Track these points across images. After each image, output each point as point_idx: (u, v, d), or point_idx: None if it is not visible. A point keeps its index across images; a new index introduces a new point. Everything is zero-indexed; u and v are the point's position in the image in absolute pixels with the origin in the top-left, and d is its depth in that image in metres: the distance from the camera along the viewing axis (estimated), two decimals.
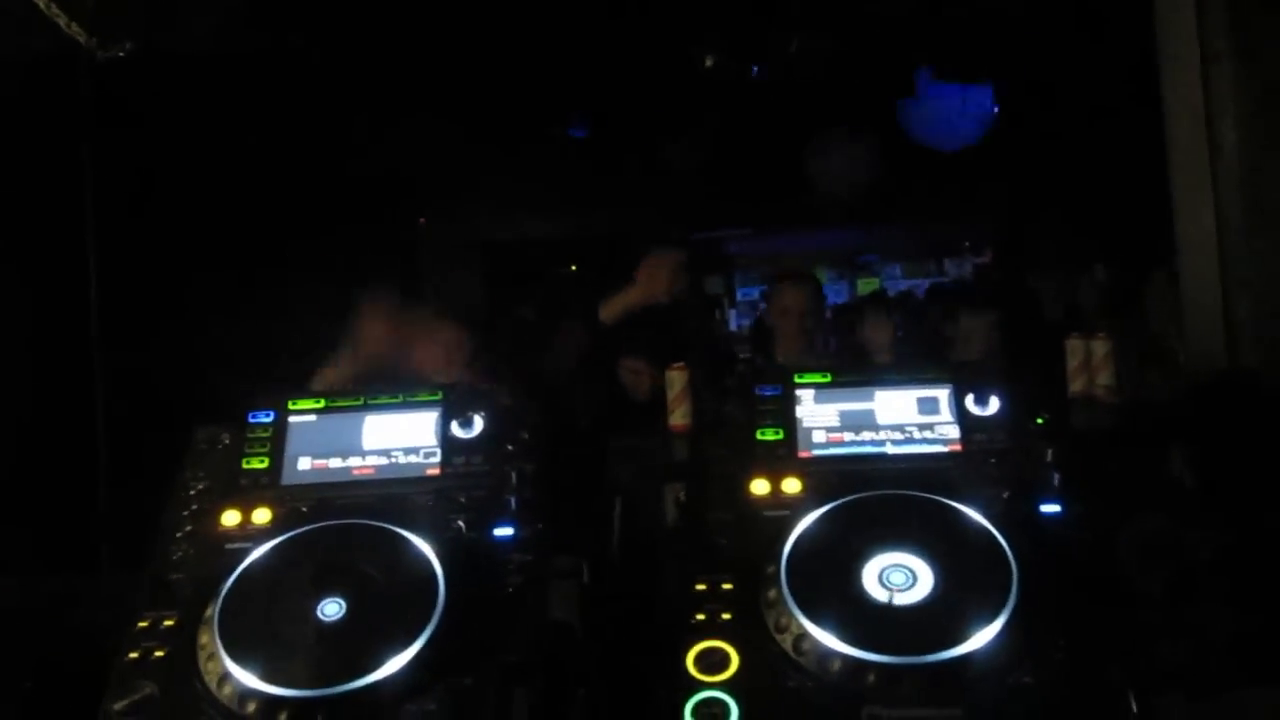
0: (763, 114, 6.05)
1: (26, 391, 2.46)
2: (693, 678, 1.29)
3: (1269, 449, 1.80)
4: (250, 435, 1.56)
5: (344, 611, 1.34)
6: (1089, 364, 2.74)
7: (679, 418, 2.44)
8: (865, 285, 8.37)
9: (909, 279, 8.68)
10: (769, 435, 1.53)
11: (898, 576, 1.33)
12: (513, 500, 1.46)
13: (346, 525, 1.44)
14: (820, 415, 1.54)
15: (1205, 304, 1.76)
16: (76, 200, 2.61)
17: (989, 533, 1.37)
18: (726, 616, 1.34)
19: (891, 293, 7.76)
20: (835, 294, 7.78)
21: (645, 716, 1.40)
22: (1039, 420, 1.51)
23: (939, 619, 1.29)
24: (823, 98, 5.87)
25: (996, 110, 5.85)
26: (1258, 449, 1.82)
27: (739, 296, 9.16)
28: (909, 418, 1.53)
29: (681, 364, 2.57)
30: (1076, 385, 2.71)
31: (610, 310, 3.37)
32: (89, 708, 1.33)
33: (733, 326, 8.43)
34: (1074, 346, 2.70)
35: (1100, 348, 2.68)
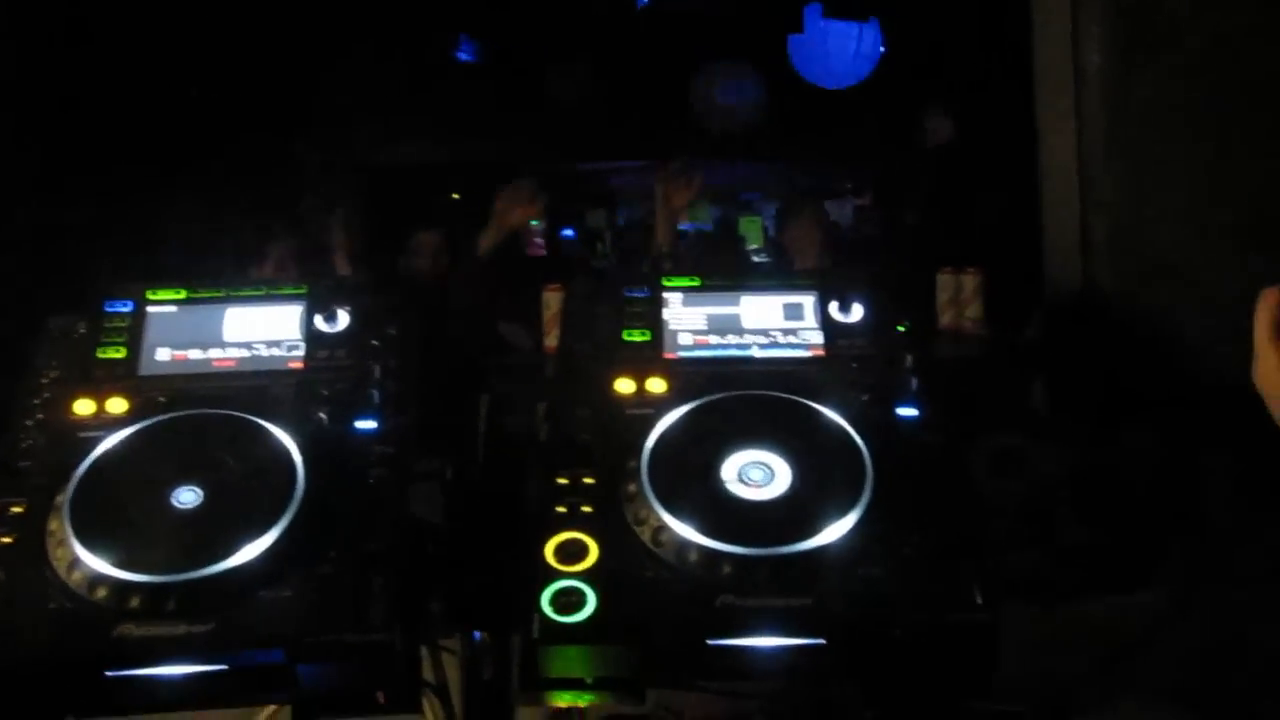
0: (649, 46, 6.03)
1: None
2: (551, 568, 1.30)
3: (1119, 370, 1.86)
4: (107, 325, 1.52)
5: (200, 499, 1.32)
6: (958, 298, 2.81)
7: (554, 339, 2.44)
8: (748, 224, 8.43)
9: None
10: (635, 336, 1.54)
11: (756, 473, 1.36)
12: (376, 394, 1.45)
13: (205, 414, 1.42)
14: (687, 318, 1.56)
15: (1064, 228, 1.81)
16: None
17: (845, 433, 1.40)
18: (587, 509, 1.35)
19: (772, 232, 7.84)
20: (717, 231, 7.86)
21: (504, 609, 1.42)
22: (900, 328, 1.54)
23: (794, 514, 1.32)
24: (710, 31, 5.87)
25: (884, 51, 5.91)
26: (1108, 370, 1.88)
27: (619, 222, 9.16)
28: (774, 323, 1.55)
29: (557, 285, 2.58)
30: (946, 318, 2.78)
31: (482, 248, 3.45)
32: None
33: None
34: (944, 281, 2.76)
35: (969, 282, 2.75)
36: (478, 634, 1.59)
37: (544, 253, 7.80)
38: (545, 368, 2.06)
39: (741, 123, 6.04)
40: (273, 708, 1.58)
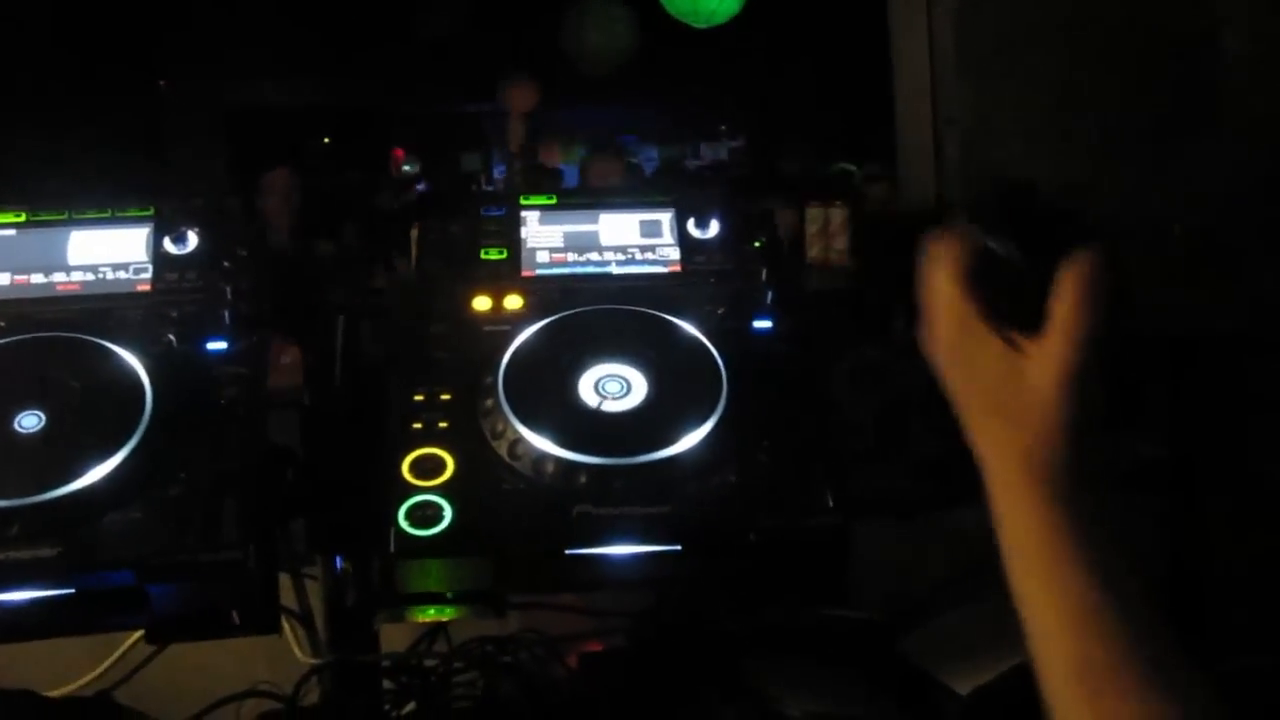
0: None
1: None
2: (407, 483, 1.30)
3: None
4: None
5: (43, 423, 1.28)
6: (827, 230, 2.85)
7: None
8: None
9: (666, 161, 8.79)
10: (492, 254, 1.53)
11: (612, 385, 1.36)
12: (227, 315, 1.42)
13: (45, 337, 1.38)
14: (544, 236, 1.55)
15: (918, 144, 1.85)
16: None
17: (701, 345, 1.41)
18: (443, 425, 1.35)
19: (649, 174, 7.87)
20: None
21: (366, 534, 1.41)
22: (756, 244, 1.56)
23: (650, 424, 1.33)
24: None
25: None
26: None
27: (495, 174, 9.09)
28: (632, 240, 1.56)
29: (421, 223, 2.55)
30: (814, 251, 2.82)
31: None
32: None
33: None
34: (813, 214, 2.80)
35: (837, 215, 2.79)
36: (340, 560, 1.58)
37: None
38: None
39: (613, 64, 6.02)
40: (135, 636, 1.56)
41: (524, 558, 1.30)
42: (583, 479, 1.29)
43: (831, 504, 1.31)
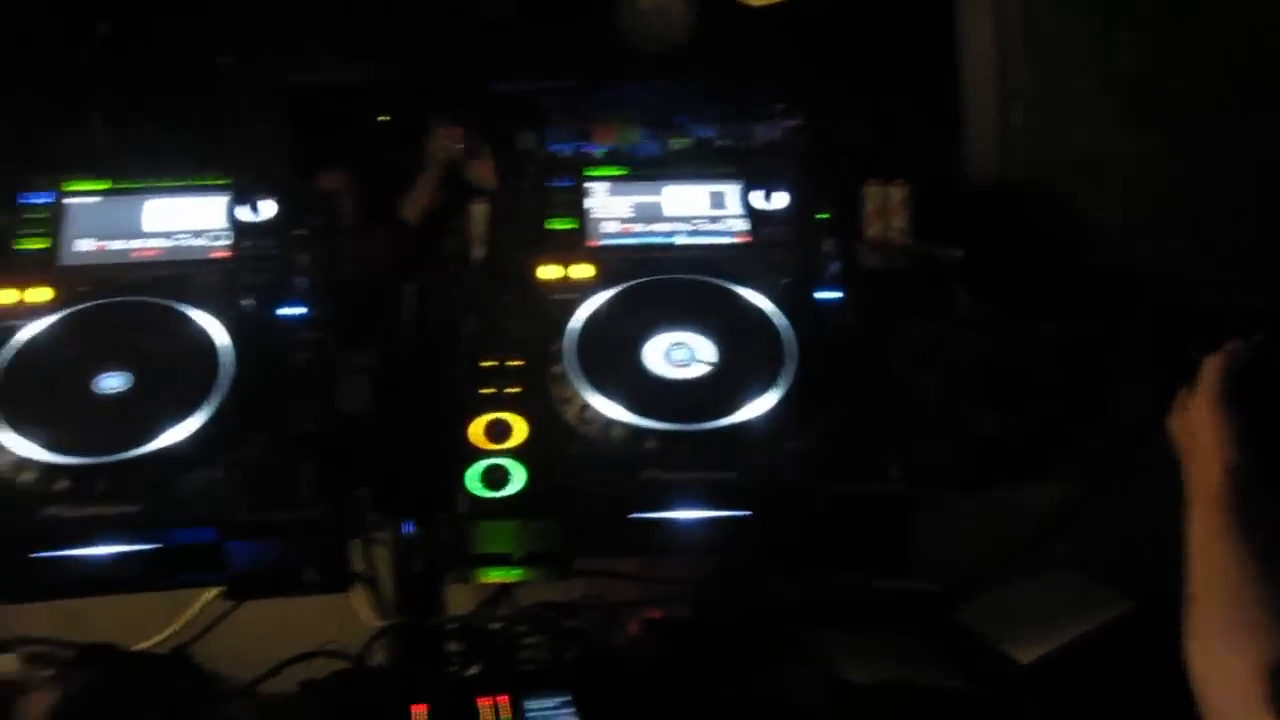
0: None
1: None
2: (477, 447, 1.32)
3: (1036, 257, 1.89)
4: (25, 216, 1.51)
5: (127, 384, 1.32)
6: (885, 209, 2.83)
7: (481, 249, 2.44)
8: (676, 144, 8.36)
9: (721, 140, 8.70)
10: (560, 224, 1.55)
11: (680, 353, 1.38)
12: (302, 281, 1.45)
13: (130, 301, 1.41)
14: (612, 206, 1.57)
15: (984, 116, 1.84)
16: None
17: (768, 314, 1.43)
18: (512, 390, 1.37)
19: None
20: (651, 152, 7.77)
21: (434, 499, 1.43)
22: (822, 215, 1.57)
23: (717, 391, 1.35)
24: None
25: None
26: (1026, 257, 1.92)
27: (550, 152, 9.03)
28: (699, 210, 1.57)
29: (485, 198, 2.56)
30: (873, 229, 2.80)
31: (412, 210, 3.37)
32: None
33: None
34: (872, 193, 2.78)
35: (897, 193, 2.77)
36: (408, 526, 1.61)
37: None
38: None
39: (670, 41, 6.00)
40: (210, 595, 1.60)
41: (592, 521, 1.32)
42: (651, 444, 1.31)
43: (896, 474, 1.32)
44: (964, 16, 1.85)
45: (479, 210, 2.60)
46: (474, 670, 1.63)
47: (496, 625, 1.66)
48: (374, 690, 1.53)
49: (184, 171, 1.58)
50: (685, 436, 1.31)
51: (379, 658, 1.64)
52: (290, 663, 1.60)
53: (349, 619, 1.67)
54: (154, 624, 1.67)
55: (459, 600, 1.70)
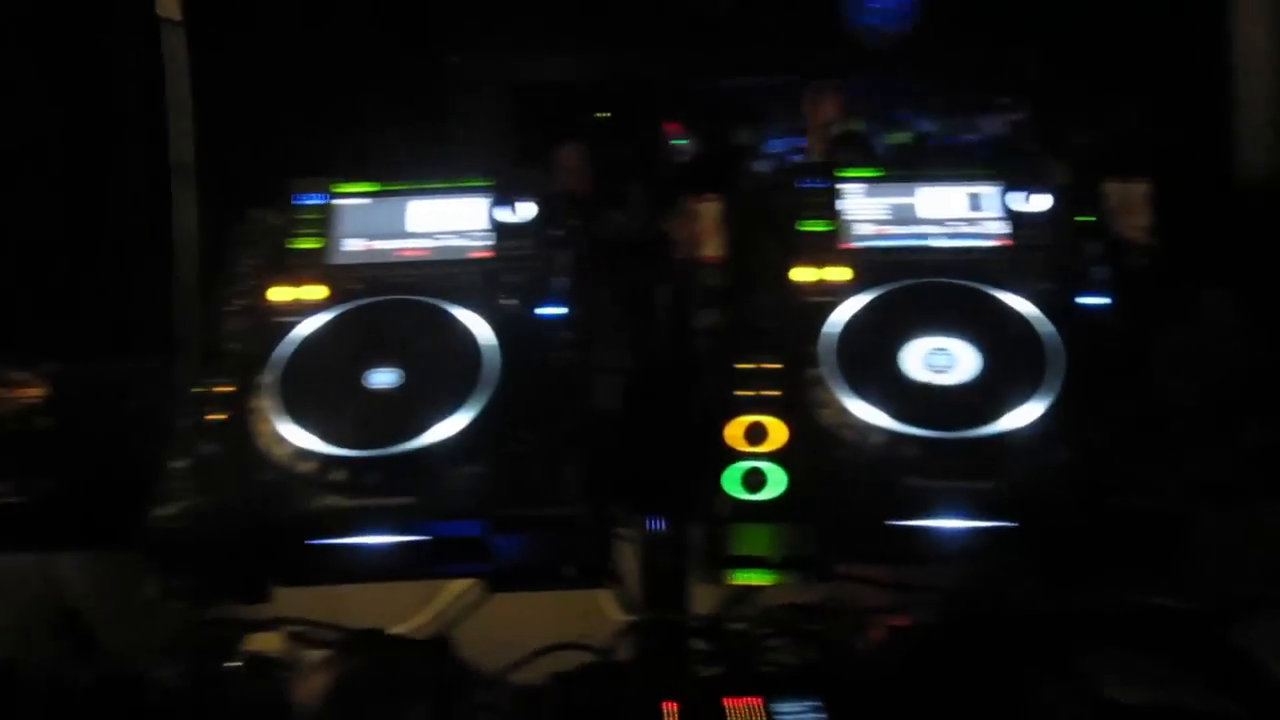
0: None
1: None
2: (734, 449, 1.33)
3: None
4: (299, 216, 1.58)
5: (398, 380, 1.37)
6: (1127, 207, 2.72)
7: (711, 249, 2.44)
8: (896, 139, 8.23)
9: (943, 135, 8.52)
10: (813, 226, 1.54)
11: (940, 358, 1.36)
12: (561, 281, 1.48)
13: (401, 300, 1.47)
14: (867, 208, 1.55)
15: (1256, 121, 1.76)
16: None
17: (1033, 320, 1.39)
18: (769, 393, 1.37)
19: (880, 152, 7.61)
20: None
21: (682, 498, 1.44)
22: (1087, 218, 1.52)
23: (979, 398, 1.32)
24: None
25: None
26: None
27: (769, 148, 9.01)
28: (957, 212, 1.54)
29: (714, 196, 2.57)
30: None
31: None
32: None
33: None
34: (1112, 190, 2.68)
35: (1138, 191, 2.66)
36: (656, 522, 1.63)
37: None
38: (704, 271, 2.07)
39: (895, 34, 5.91)
40: (461, 586, 1.65)
41: (850, 527, 1.30)
42: (911, 450, 1.29)
43: (1173, 489, 1.27)
44: (1237, 12, 1.77)
45: (707, 209, 2.61)
46: (717, 670, 1.64)
47: (740, 625, 1.66)
48: (626, 685, 1.55)
49: (446, 174, 1.63)
50: (947, 444, 1.29)
51: (623, 653, 1.66)
52: (539, 654, 1.63)
53: (590, 612, 1.70)
54: (399, 609, 1.73)
55: (700, 599, 1.71)
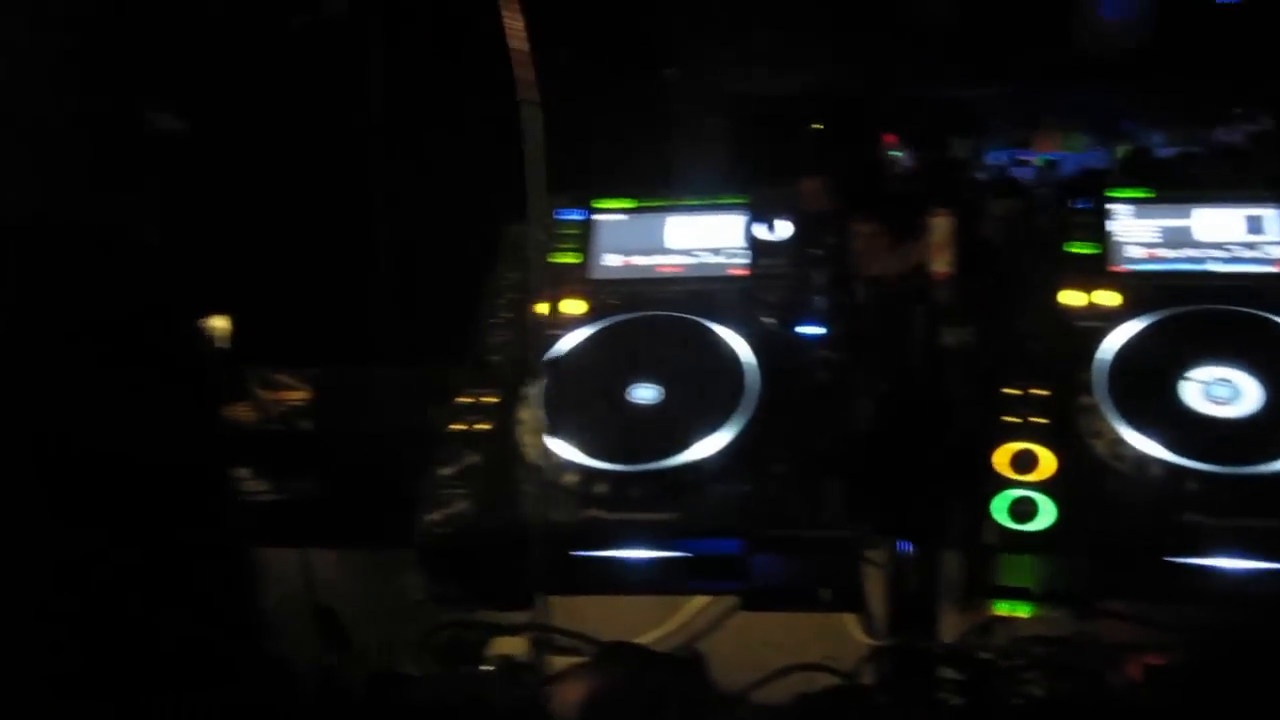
0: None
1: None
2: (1003, 477, 1.30)
3: None
4: (560, 232, 1.61)
5: (659, 396, 1.39)
6: None
7: (941, 264, 2.40)
8: (1122, 152, 7.91)
9: (1172, 146, 8.15)
10: (1080, 249, 1.50)
11: (1222, 390, 1.30)
12: (820, 300, 1.47)
13: (662, 316, 1.49)
14: (1137, 230, 1.50)
15: None
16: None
17: None
18: (1038, 420, 1.33)
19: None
20: (1096, 162, 7.39)
21: (935, 522, 1.42)
22: None
23: (1264, 433, 1.26)
24: None
25: None
26: None
27: (986, 160, 8.79)
28: (1234, 236, 1.47)
29: (944, 211, 2.52)
30: None
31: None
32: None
33: None
34: None
35: None
36: (905, 546, 1.60)
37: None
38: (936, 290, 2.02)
39: (1129, 41, 5.70)
40: (702, 603, 1.65)
41: (1126, 563, 1.26)
42: (1191, 485, 1.24)
43: None
44: None
45: (940, 223, 2.56)
46: (964, 700, 1.60)
47: (987, 656, 1.62)
48: (872, 712, 1.53)
49: (701, 191, 1.64)
50: (1230, 479, 1.23)
51: (869, 677, 1.63)
52: (785, 672, 1.62)
53: (832, 633, 1.68)
54: (641, 621, 1.74)
55: (945, 626, 1.67)
